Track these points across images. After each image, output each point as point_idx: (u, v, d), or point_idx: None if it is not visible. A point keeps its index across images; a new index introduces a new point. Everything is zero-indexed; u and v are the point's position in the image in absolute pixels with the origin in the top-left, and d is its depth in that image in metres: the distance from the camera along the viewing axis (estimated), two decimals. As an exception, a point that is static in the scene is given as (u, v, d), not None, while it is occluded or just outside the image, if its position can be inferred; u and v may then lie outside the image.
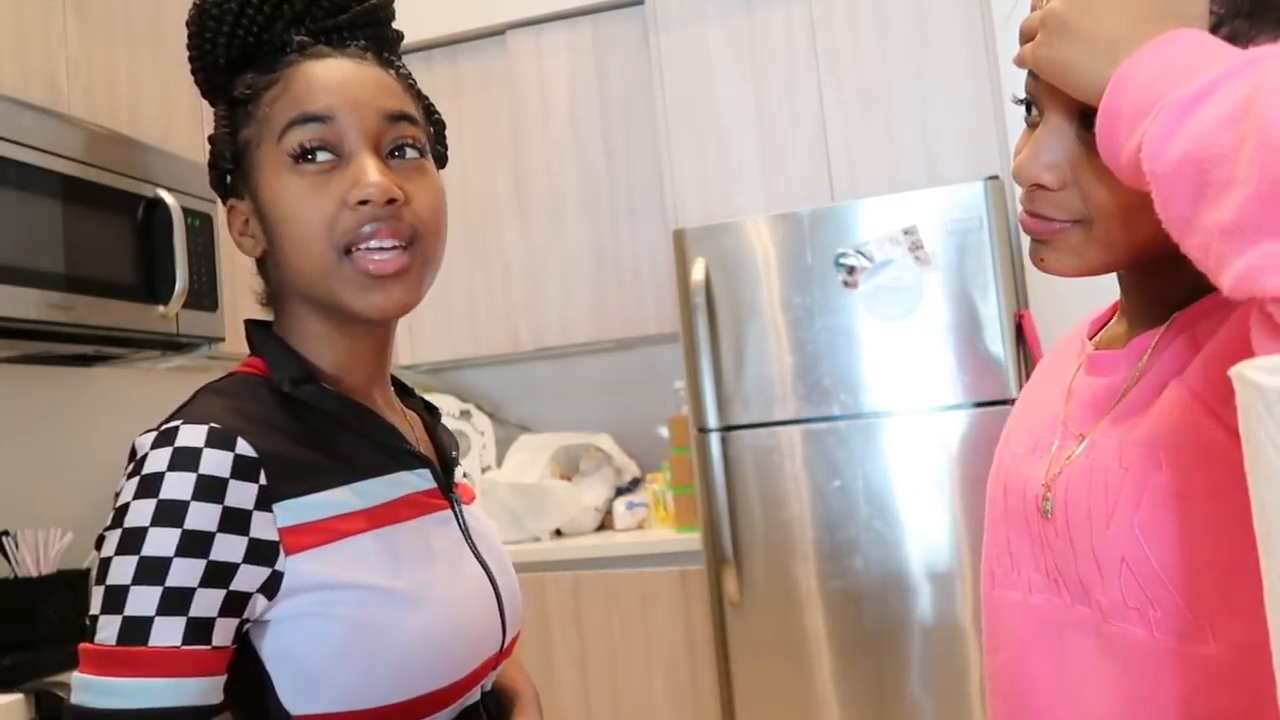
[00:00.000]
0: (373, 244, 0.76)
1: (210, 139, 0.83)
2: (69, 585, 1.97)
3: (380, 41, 0.86)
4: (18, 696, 1.51)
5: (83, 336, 1.90)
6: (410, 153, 0.80)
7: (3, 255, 1.66)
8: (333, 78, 0.78)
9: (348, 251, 0.76)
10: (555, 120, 3.00)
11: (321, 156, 0.76)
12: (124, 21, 2.10)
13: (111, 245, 1.89)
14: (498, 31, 3.05)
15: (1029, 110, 0.73)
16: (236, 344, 2.25)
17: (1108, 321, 0.85)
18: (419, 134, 0.81)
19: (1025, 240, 2.45)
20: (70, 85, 1.95)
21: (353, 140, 0.77)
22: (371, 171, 0.75)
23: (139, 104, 2.11)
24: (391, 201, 0.75)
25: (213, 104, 0.84)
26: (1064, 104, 0.68)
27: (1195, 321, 0.69)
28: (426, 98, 0.89)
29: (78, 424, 2.24)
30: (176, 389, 2.52)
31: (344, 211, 0.75)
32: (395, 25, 0.89)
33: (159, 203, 1.98)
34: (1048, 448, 0.79)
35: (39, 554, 1.93)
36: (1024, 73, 0.71)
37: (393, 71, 0.84)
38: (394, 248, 0.76)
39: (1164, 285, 0.72)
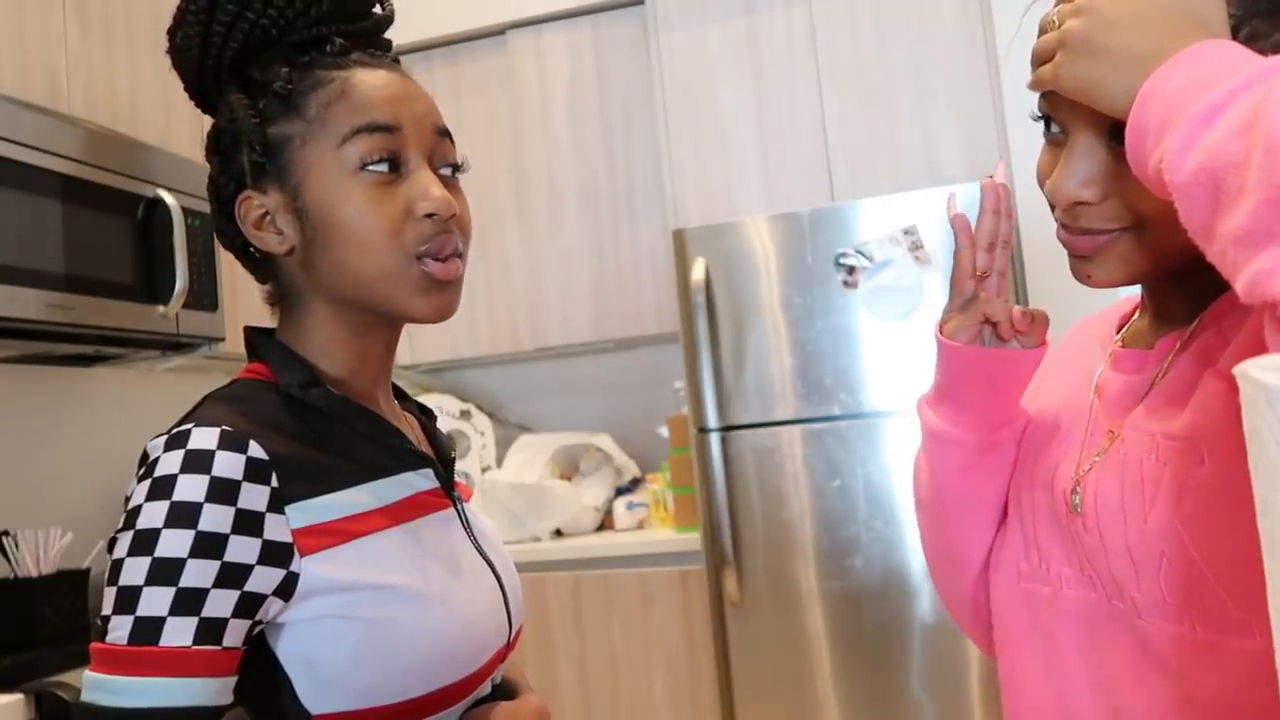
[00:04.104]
0: (433, 255, 0.79)
1: (228, 123, 0.81)
2: (69, 585, 1.97)
3: (387, 49, 0.88)
4: (18, 696, 1.51)
5: (83, 336, 1.90)
6: (454, 170, 0.84)
7: (3, 255, 1.66)
8: (396, 91, 0.80)
9: (416, 258, 0.78)
10: (555, 120, 3.00)
11: (384, 167, 0.78)
12: (124, 21, 2.10)
13: (111, 245, 1.89)
14: (498, 31, 3.05)
15: (1048, 126, 0.73)
16: (236, 344, 2.25)
17: (1132, 315, 0.85)
18: (456, 151, 0.85)
19: (1025, 240, 2.46)
20: (70, 85, 1.94)
21: (413, 153, 0.80)
22: (436, 186, 0.79)
23: (139, 104, 2.11)
24: (452, 216, 0.79)
25: (200, 79, 0.83)
26: (1091, 120, 0.68)
27: (1222, 316, 0.69)
28: None
29: (78, 424, 2.24)
30: (176, 389, 2.52)
31: (410, 221, 0.78)
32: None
33: (159, 203, 1.98)
34: (1076, 443, 0.78)
35: (39, 554, 1.93)
36: (1030, 88, 0.71)
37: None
38: (449, 256, 0.80)
39: (1195, 287, 0.72)
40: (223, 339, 2.17)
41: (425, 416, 0.97)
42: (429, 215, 0.78)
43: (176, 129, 2.19)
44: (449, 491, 0.87)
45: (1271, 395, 0.42)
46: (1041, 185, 0.75)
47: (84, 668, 0.67)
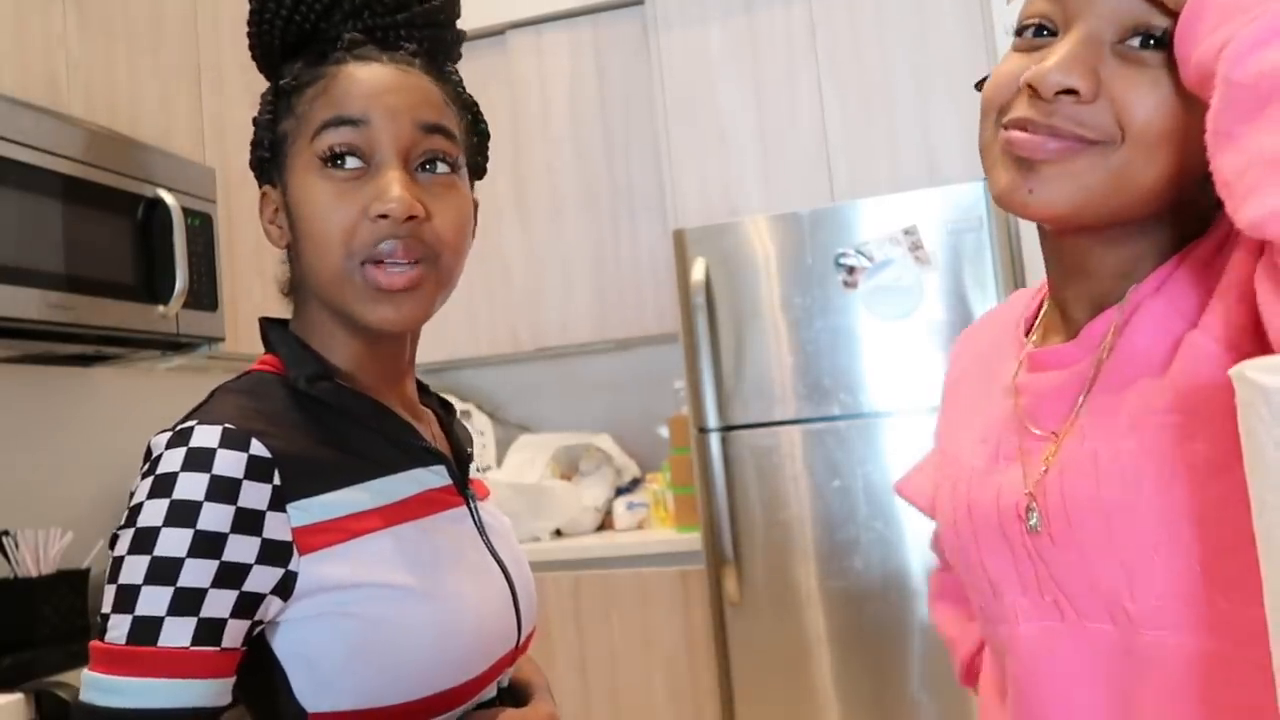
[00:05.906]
0: (386, 261, 0.75)
1: (254, 122, 0.83)
2: (69, 585, 1.97)
3: (437, 44, 0.85)
4: (18, 696, 1.51)
5: (83, 336, 1.90)
6: (441, 167, 0.79)
7: (3, 255, 1.66)
8: (372, 82, 0.77)
9: (362, 263, 0.75)
10: (555, 120, 3.00)
11: (351, 163, 0.76)
12: (124, 21, 2.10)
13: (111, 245, 1.89)
14: (498, 31, 3.05)
15: (1040, 30, 0.66)
16: (236, 344, 2.25)
17: (1035, 317, 0.78)
18: (452, 148, 0.80)
19: (1025, 240, 2.46)
20: (70, 85, 1.94)
21: (384, 149, 0.76)
22: (395, 185, 0.74)
23: (139, 104, 2.11)
24: (411, 219, 0.75)
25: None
26: (1104, 13, 0.62)
27: (1161, 286, 0.64)
28: (475, 107, 0.88)
29: (78, 424, 2.24)
30: (176, 389, 2.52)
31: (364, 222, 0.75)
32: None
33: (159, 203, 1.98)
34: (1012, 458, 0.71)
35: (39, 554, 1.93)
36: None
37: (439, 81, 0.82)
38: (407, 264, 0.75)
39: (1114, 262, 0.67)
40: (223, 339, 2.17)
41: (445, 411, 0.96)
42: (382, 216, 0.74)
43: (176, 129, 2.18)
44: (462, 489, 0.85)
45: (1269, 396, 0.41)
46: (992, 97, 0.66)
47: (84, 667, 0.67)
